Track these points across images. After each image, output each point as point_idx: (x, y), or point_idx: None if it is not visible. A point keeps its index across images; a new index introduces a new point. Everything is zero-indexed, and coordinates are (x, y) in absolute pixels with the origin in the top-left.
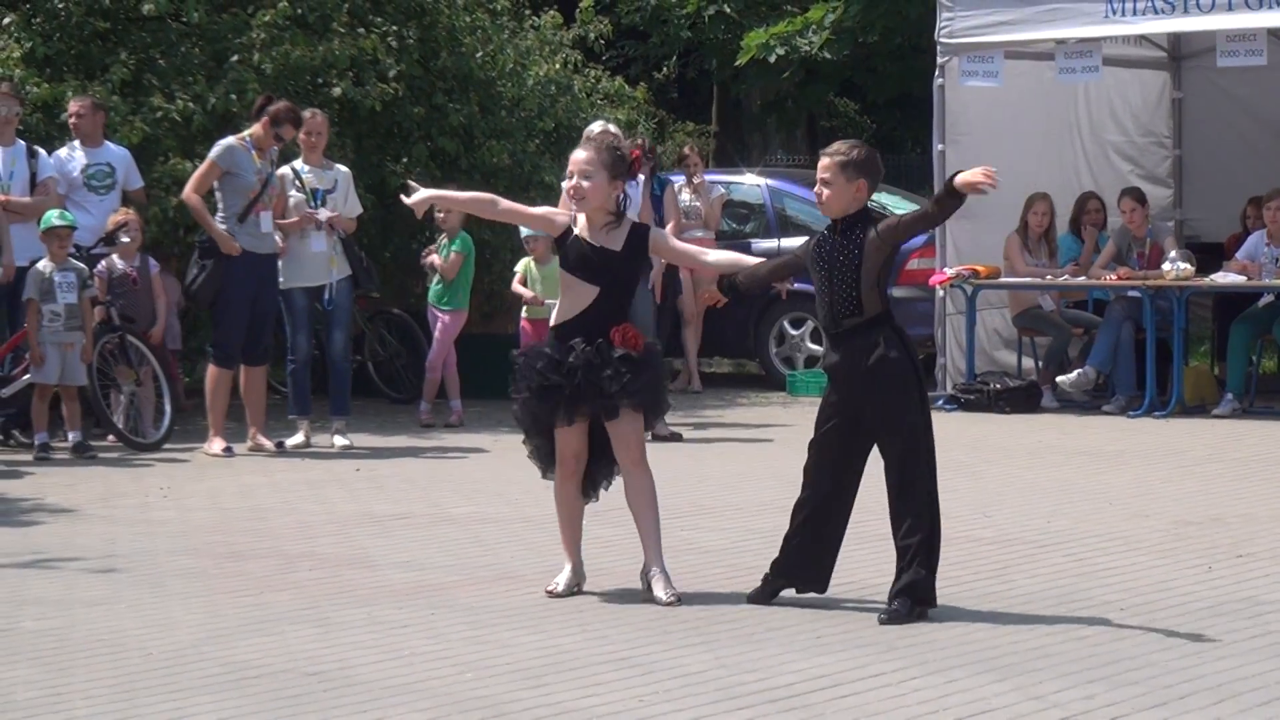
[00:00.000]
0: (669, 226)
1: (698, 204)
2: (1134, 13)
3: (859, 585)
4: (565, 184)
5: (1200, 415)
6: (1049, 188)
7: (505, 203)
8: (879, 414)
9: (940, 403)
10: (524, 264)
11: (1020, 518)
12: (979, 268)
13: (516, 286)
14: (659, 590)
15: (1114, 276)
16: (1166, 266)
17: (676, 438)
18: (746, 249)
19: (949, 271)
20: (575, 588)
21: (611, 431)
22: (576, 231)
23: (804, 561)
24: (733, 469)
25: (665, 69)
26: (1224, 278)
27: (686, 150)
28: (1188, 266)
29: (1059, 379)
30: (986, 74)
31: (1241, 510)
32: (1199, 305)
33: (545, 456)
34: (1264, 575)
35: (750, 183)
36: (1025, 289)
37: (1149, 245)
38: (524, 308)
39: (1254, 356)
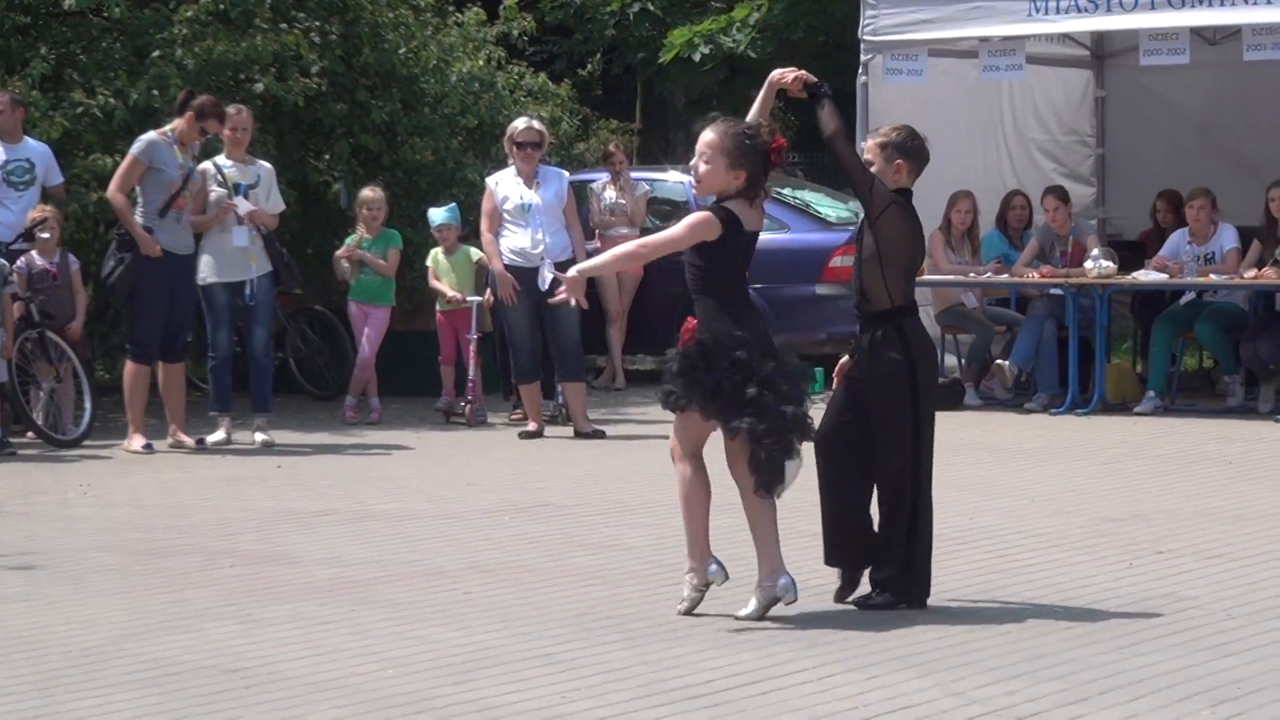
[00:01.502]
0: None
1: (623, 201)
2: (1057, 11)
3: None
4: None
5: (1122, 413)
6: (974, 186)
7: (650, 241)
8: (870, 407)
9: None
10: (433, 255)
11: (943, 514)
12: None
13: (433, 281)
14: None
15: (1037, 274)
16: (1089, 265)
17: (599, 434)
18: None
19: None
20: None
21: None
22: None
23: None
24: (656, 466)
25: (590, 66)
26: (1146, 276)
27: (611, 148)
28: (1110, 265)
29: (999, 361)
30: (910, 72)
31: (1163, 507)
32: (1121, 303)
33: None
34: (1185, 571)
35: (674, 180)
36: (948, 286)
37: (1071, 243)
38: (438, 301)
39: (1176, 354)
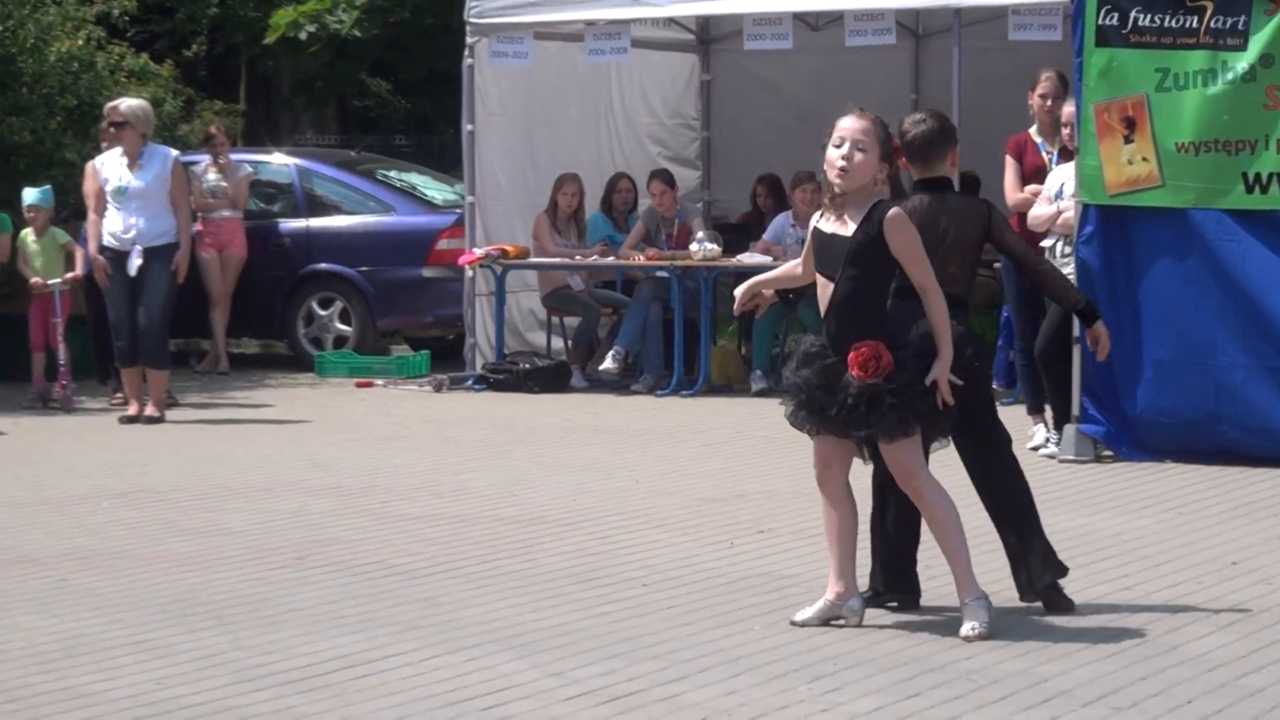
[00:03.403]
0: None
1: (224, 184)
2: None
3: (381, 565)
4: (832, 152)
5: (727, 394)
6: (583, 168)
7: (804, 260)
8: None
9: (469, 383)
10: (22, 237)
11: (546, 496)
12: (508, 248)
13: (20, 264)
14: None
15: (643, 257)
16: (694, 247)
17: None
18: (274, 229)
19: (478, 252)
20: (835, 620)
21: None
22: (815, 223)
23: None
24: (258, 451)
25: (194, 47)
26: (750, 259)
27: (212, 129)
28: (715, 247)
29: (601, 367)
30: (516, 54)
31: (764, 487)
32: (726, 285)
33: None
34: (784, 550)
35: (279, 162)
36: (554, 269)
37: (677, 226)
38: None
39: (780, 335)
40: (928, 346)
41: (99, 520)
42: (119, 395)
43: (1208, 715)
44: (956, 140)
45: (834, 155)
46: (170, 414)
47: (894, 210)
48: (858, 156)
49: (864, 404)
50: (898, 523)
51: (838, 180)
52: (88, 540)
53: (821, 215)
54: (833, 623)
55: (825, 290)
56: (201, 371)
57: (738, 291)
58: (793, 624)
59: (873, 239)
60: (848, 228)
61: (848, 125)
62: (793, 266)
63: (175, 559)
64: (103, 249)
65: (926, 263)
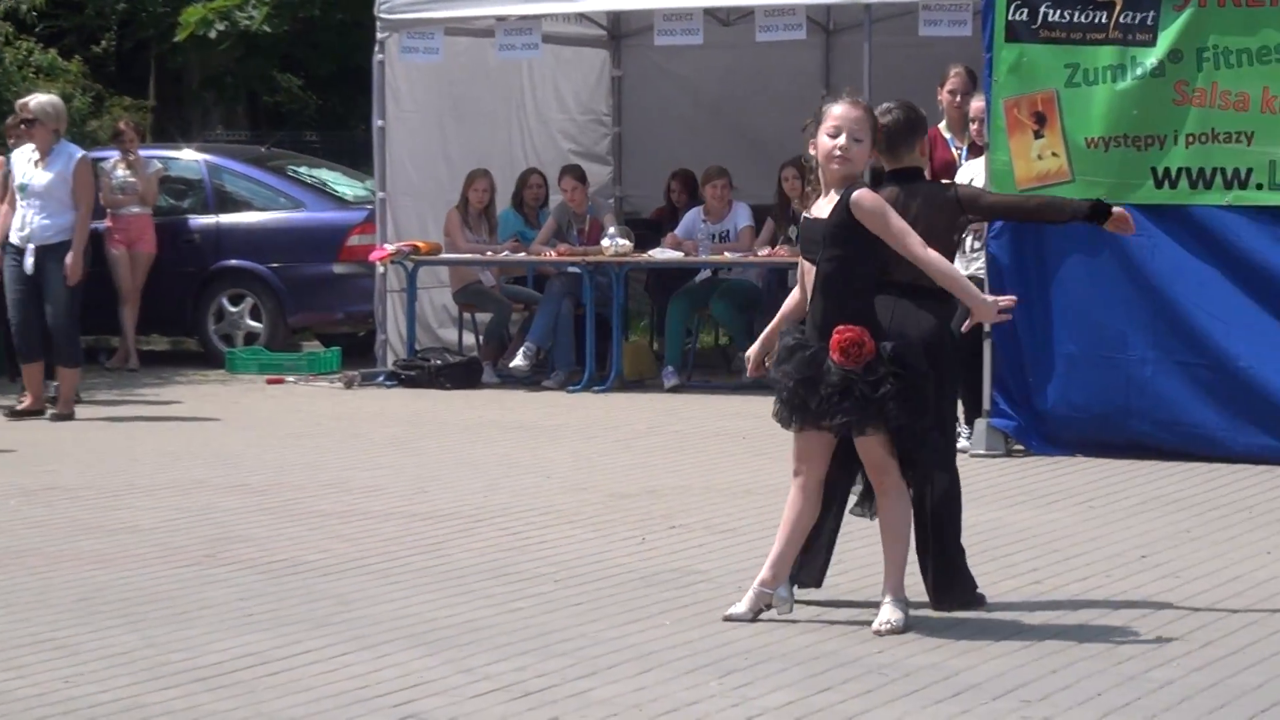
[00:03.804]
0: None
1: (133, 180)
2: None
3: (292, 562)
4: (827, 141)
5: (639, 390)
6: (495, 164)
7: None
8: None
9: (380, 379)
10: None
11: (457, 493)
12: (420, 244)
13: None
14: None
15: (554, 253)
16: (605, 243)
17: (66, 418)
18: (184, 225)
19: (389, 248)
20: (766, 611)
21: (857, 447)
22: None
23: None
24: (168, 447)
25: (103, 42)
26: (662, 254)
27: (122, 125)
28: (626, 243)
29: (511, 364)
30: (427, 50)
31: (676, 483)
32: (638, 281)
33: None
34: (696, 545)
35: (188, 158)
36: (465, 265)
37: (589, 222)
38: None
39: (692, 331)
40: (934, 340)
41: (6, 519)
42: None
43: (1118, 707)
44: (926, 130)
45: (830, 144)
46: (80, 411)
47: (858, 190)
48: (854, 146)
49: (838, 393)
50: (942, 536)
51: (836, 167)
52: None
53: (807, 204)
54: (762, 615)
55: (809, 275)
56: (111, 368)
57: (751, 355)
58: (725, 619)
59: (846, 220)
60: (826, 211)
61: (843, 114)
62: (796, 300)
63: (84, 557)
64: (5, 245)
65: (907, 233)
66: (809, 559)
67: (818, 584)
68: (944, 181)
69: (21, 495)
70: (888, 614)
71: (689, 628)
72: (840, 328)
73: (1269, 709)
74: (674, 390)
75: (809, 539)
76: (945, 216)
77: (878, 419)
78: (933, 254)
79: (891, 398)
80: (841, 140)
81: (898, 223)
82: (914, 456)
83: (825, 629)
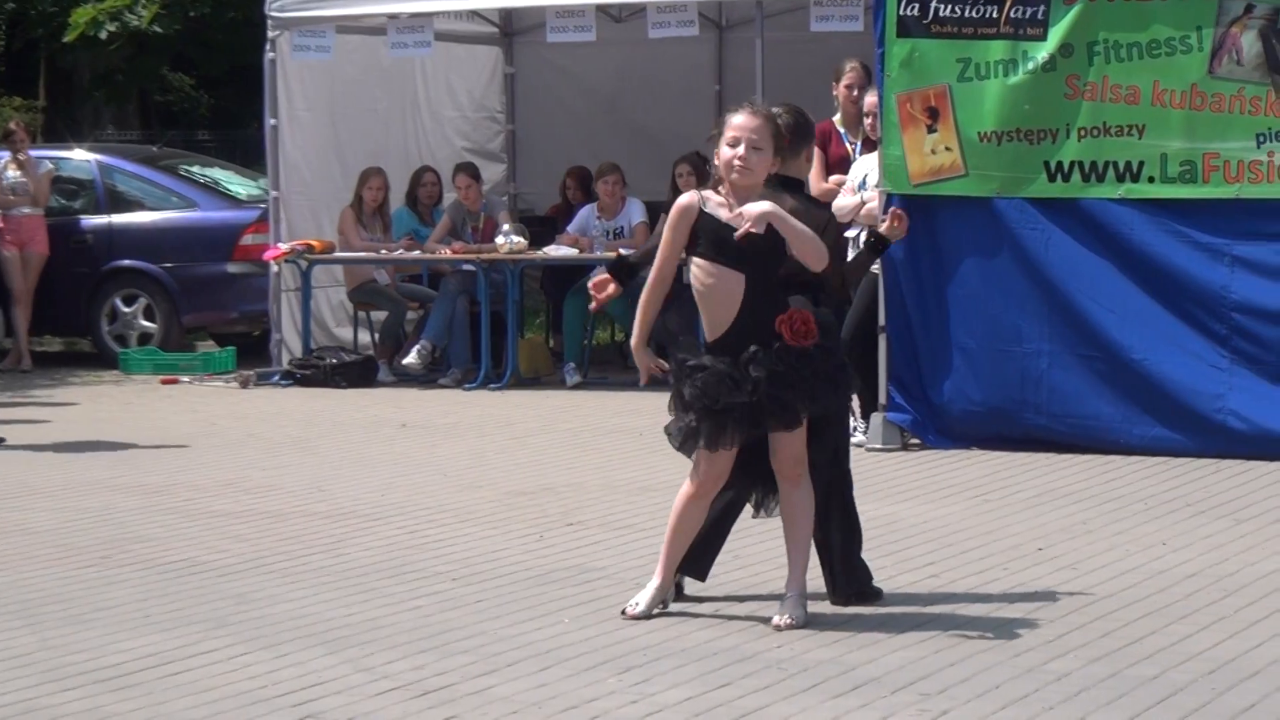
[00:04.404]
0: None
1: (25, 180)
2: None
3: (190, 562)
4: (727, 151)
5: (535, 387)
6: (388, 163)
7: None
8: None
9: (276, 378)
10: None
11: (355, 491)
12: (314, 242)
13: None
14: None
15: (449, 250)
16: (500, 240)
17: None
18: (76, 226)
19: (283, 247)
20: (661, 606)
21: (775, 443)
22: (706, 209)
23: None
24: (63, 449)
25: None
26: (556, 251)
27: (12, 125)
28: (521, 240)
29: (405, 361)
30: (318, 48)
31: (572, 480)
32: (533, 278)
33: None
34: (593, 543)
35: (80, 158)
36: (360, 264)
37: (483, 219)
38: None
39: (588, 327)
40: (830, 329)
41: None
42: None
43: (1016, 699)
44: (814, 136)
45: (729, 154)
46: None
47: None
48: (754, 156)
49: (818, 380)
50: (841, 528)
51: (736, 178)
52: None
53: (706, 202)
54: (655, 612)
55: (726, 279)
56: (4, 370)
57: (640, 362)
58: (623, 615)
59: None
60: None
61: (741, 123)
62: (657, 287)
63: None
64: None
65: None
66: (697, 552)
67: (702, 577)
68: (824, 205)
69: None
70: (787, 610)
71: (588, 624)
72: (786, 316)
73: (1166, 699)
74: (575, 387)
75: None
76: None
77: (802, 413)
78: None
79: (808, 389)
80: (740, 150)
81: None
82: (824, 439)
83: (723, 624)
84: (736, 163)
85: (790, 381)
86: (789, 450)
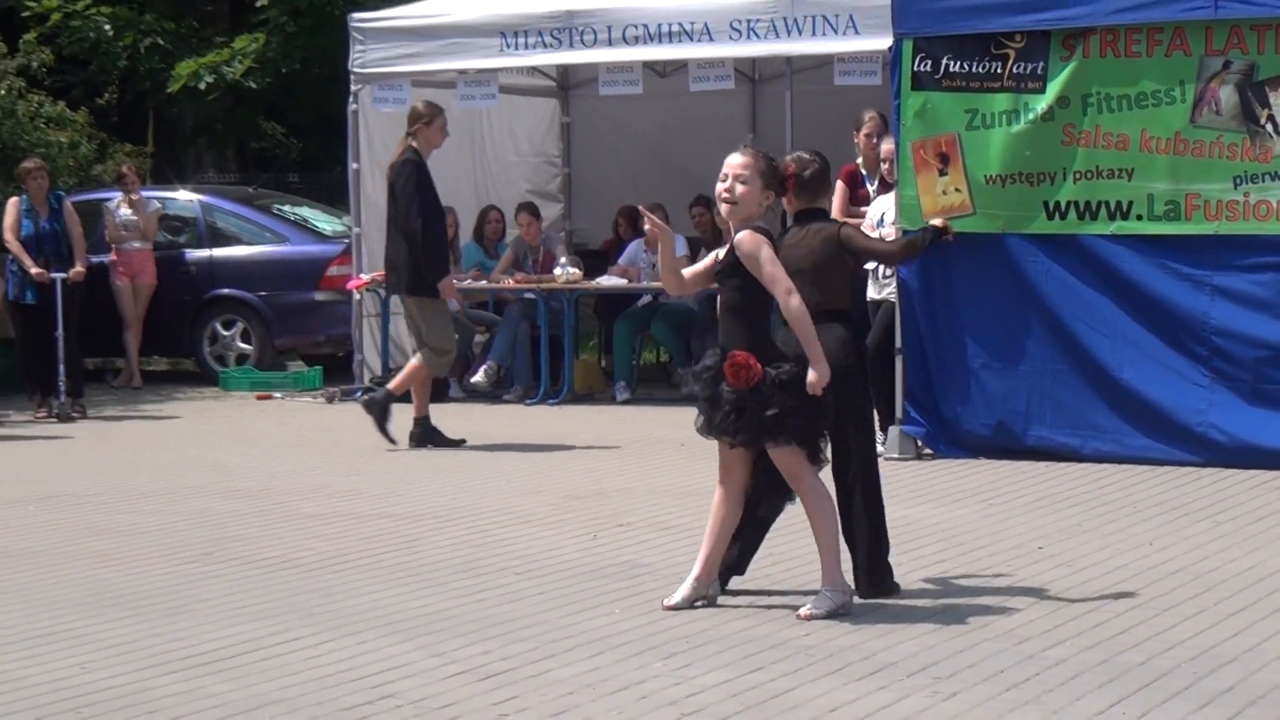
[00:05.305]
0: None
1: (135, 218)
2: (526, 47)
3: (280, 559)
4: (719, 186)
5: (589, 402)
6: (458, 202)
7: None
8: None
9: (358, 394)
10: None
11: (428, 495)
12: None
13: None
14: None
15: (512, 281)
16: (558, 271)
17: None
18: (181, 258)
19: (364, 277)
20: (700, 600)
21: (770, 455)
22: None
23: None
24: (168, 457)
25: (105, 95)
26: (608, 281)
27: (124, 169)
28: (576, 271)
29: (473, 379)
30: (396, 100)
31: (622, 485)
32: (586, 305)
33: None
34: (641, 542)
35: (184, 198)
36: None
37: (542, 253)
38: None
39: (636, 349)
40: (840, 353)
41: (23, 523)
42: (43, 409)
43: (1018, 683)
44: (834, 179)
45: (719, 188)
46: (88, 425)
47: (742, 233)
48: (739, 188)
49: (734, 412)
50: (867, 532)
51: (724, 208)
52: (14, 540)
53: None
54: (696, 603)
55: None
56: (117, 387)
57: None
58: (666, 607)
59: (733, 258)
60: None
61: (730, 160)
62: (680, 262)
63: (93, 556)
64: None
65: (776, 280)
66: (737, 549)
67: (741, 571)
68: (835, 219)
69: (37, 501)
70: (818, 604)
71: (636, 615)
72: (732, 352)
73: (1152, 683)
74: (627, 403)
75: (736, 531)
76: (831, 249)
77: (775, 434)
78: (795, 301)
79: (788, 414)
80: (726, 184)
81: (769, 268)
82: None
83: (757, 615)
84: (723, 194)
85: (718, 407)
86: (779, 464)
